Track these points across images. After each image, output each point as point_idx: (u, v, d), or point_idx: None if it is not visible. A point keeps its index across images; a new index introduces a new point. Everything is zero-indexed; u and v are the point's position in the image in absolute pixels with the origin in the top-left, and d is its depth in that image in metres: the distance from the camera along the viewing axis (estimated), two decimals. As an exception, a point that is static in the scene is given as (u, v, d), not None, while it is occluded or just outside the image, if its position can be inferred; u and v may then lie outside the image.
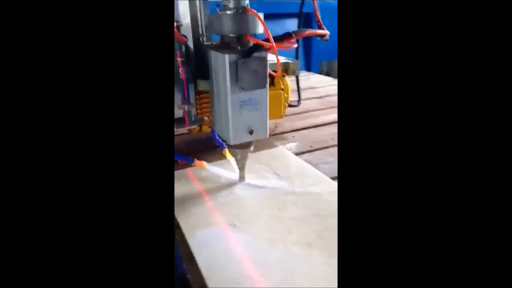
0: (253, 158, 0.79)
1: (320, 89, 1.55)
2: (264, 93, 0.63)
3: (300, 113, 1.26)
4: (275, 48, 0.54)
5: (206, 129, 0.82)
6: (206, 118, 0.72)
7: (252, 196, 0.69)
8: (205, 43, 0.69)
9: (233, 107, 0.60)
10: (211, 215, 0.64)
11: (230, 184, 0.73)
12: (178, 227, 0.62)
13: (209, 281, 0.49)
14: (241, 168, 0.72)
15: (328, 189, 0.71)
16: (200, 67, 0.67)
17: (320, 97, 1.43)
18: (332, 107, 1.31)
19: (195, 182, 0.74)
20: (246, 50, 0.57)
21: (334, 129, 1.10)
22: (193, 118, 0.70)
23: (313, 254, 0.53)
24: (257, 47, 0.56)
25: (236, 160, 0.71)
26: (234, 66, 0.57)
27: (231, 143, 0.63)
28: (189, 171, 0.78)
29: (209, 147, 0.94)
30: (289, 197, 0.69)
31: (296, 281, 0.48)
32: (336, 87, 1.61)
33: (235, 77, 0.58)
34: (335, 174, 0.80)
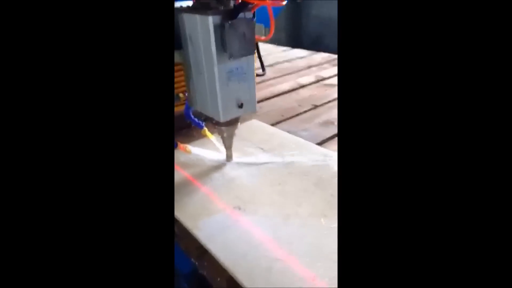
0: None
1: (268, 57, 1.51)
2: (251, 60, 0.57)
3: (257, 83, 1.22)
4: (268, 4, 0.48)
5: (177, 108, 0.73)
6: (181, 95, 0.63)
7: (246, 174, 0.64)
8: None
9: (221, 79, 0.53)
10: (210, 201, 0.57)
11: (218, 166, 0.67)
12: (176, 221, 0.55)
13: (236, 272, 0.44)
14: (228, 147, 0.66)
15: (318, 156, 0.69)
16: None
17: (271, 65, 1.40)
18: (285, 75, 1.29)
19: (178, 169, 0.66)
20: (231, 10, 0.50)
21: (296, 95, 1.08)
22: None
23: (332, 224, 0.51)
24: (243, 6, 0.49)
25: (223, 138, 0.65)
26: (219, 30, 0.49)
27: (222, 120, 0.57)
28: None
29: (179, 127, 0.86)
30: (283, 169, 0.66)
31: (326, 253, 0.46)
32: (281, 54, 1.59)
33: (221, 43, 0.50)
34: (318, 139, 0.79)
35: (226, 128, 0.62)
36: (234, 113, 0.58)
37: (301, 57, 1.51)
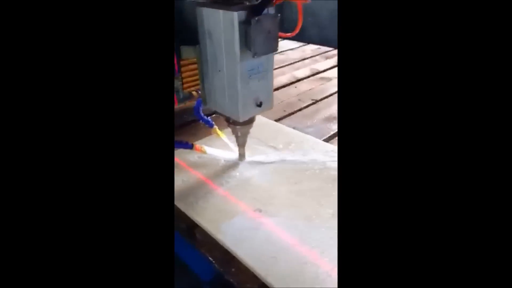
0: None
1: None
2: (271, 58, 0.55)
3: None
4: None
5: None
6: (194, 93, 0.60)
7: (260, 174, 0.63)
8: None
9: (242, 77, 0.51)
10: (228, 203, 0.56)
11: (231, 166, 0.65)
12: (196, 226, 0.53)
13: (268, 277, 0.43)
14: (242, 146, 0.64)
15: (328, 153, 0.69)
16: (183, 30, 0.54)
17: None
18: (281, 67, 1.27)
19: (190, 170, 0.63)
20: (256, 6, 0.47)
21: (295, 89, 1.07)
22: (181, 95, 0.58)
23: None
24: (268, 1, 0.47)
25: (236, 137, 0.63)
26: (244, 27, 0.47)
27: (241, 119, 0.55)
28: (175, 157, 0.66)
29: (180, 124, 0.83)
30: (296, 168, 0.65)
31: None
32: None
33: (245, 40, 0.48)
34: (323, 135, 0.79)
35: (241, 127, 0.60)
36: (253, 112, 0.56)
37: (292, 49, 1.50)
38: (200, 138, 0.75)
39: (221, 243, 0.49)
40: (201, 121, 0.68)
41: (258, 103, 0.55)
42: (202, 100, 0.60)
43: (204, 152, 0.64)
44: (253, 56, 0.49)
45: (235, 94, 0.53)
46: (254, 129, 0.78)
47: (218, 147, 0.69)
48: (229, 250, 0.48)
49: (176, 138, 0.65)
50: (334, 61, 1.33)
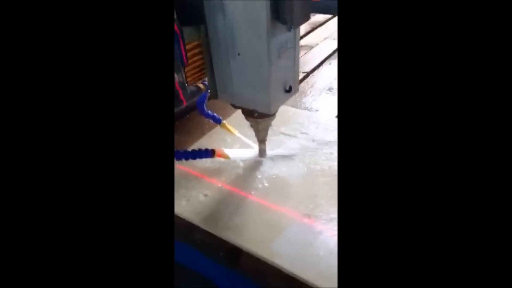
0: (238, 123, 0.60)
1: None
2: (298, 30, 0.44)
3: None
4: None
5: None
6: (201, 85, 0.48)
7: (289, 170, 0.54)
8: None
9: (272, 58, 0.40)
10: (269, 214, 0.46)
11: (253, 166, 0.55)
12: (241, 251, 0.43)
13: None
14: (262, 141, 0.54)
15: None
16: (185, 8, 0.40)
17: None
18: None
19: (207, 179, 0.52)
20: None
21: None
22: (188, 91, 0.45)
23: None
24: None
25: (257, 132, 0.52)
26: (275, -8, 0.36)
27: (272, 110, 0.44)
28: (178, 166, 0.54)
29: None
30: (322, 156, 0.56)
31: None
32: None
33: (276, 9, 0.37)
34: (334, 112, 0.71)
35: (263, 120, 0.49)
36: (283, 99, 0.46)
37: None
38: (198, 136, 0.63)
39: (280, 268, 0.40)
40: (206, 117, 0.56)
41: (288, 88, 0.45)
42: (211, 93, 0.48)
43: (228, 157, 0.53)
44: (289, 29, 0.38)
45: (263, 81, 0.42)
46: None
47: (222, 145, 0.57)
48: (291, 274, 0.39)
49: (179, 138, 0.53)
50: (308, 25, 1.23)
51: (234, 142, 0.59)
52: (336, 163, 0.54)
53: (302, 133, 0.62)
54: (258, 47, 0.39)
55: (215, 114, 0.57)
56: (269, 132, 0.60)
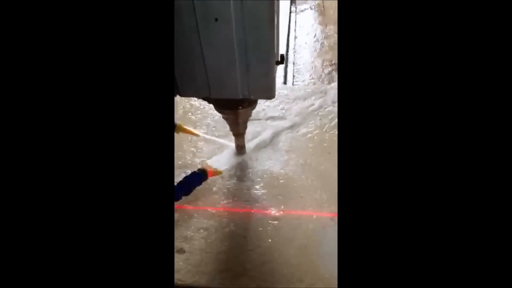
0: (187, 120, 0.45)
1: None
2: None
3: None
4: None
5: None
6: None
7: (279, 163, 0.44)
8: None
9: (270, 22, 0.27)
10: (291, 224, 0.36)
11: (237, 168, 0.42)
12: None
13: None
14: (242, 136, 0.41)
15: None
16: None
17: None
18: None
19: (207, 208, 0.37)
20: None
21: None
22: None
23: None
24: None
25: (235, 126, 0.39)
26: None
27: (274, 95, 0.32)
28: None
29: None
30: (309, 130, 0.48)
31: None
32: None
33: None
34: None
35: (245, 110, 0.36)
36: (275, 76, 0.34)
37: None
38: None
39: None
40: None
41: (279, 58, 0.33)
42: (179, 85, 0.32)
43: (220, 173, 0.38)
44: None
45: (261, 54, 0.29)
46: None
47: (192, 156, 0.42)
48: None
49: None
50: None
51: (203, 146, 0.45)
52: (327, 139, 0.46)
53: (273, 112, 0.51)
54: (251, 3, 0.26)
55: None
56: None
